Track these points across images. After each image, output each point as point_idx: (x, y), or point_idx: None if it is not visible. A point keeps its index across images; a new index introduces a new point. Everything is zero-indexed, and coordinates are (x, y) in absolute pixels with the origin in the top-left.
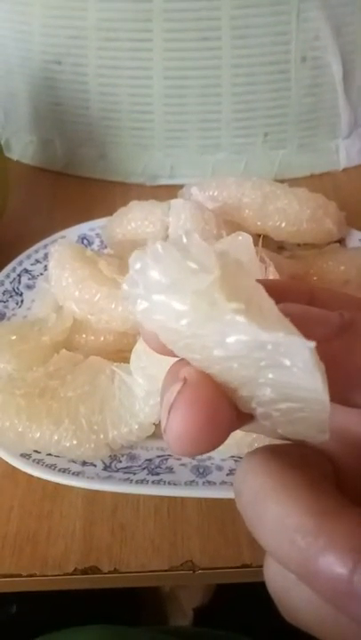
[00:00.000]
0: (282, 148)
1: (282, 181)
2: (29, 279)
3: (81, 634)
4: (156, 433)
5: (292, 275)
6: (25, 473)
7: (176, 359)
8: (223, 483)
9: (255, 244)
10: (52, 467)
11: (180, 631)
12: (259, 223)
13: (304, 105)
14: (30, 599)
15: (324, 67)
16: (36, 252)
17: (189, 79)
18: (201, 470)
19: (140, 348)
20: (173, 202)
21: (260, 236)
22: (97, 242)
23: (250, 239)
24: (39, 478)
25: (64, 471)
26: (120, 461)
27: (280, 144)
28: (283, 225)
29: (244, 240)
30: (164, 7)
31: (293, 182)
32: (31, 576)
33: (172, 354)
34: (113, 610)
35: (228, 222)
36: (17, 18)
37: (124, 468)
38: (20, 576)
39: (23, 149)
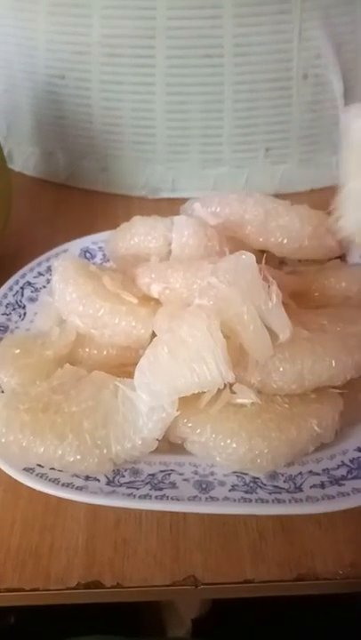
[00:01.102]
0: (283, 163)
1: (283, 196)
2: (32, 292)
3: None
4: (160, 448)
5: (293, 292)
6: (28, 487)
7: None
8: (226, 498)
9: (258, 261)
10: (55, 481)
11: None
12: (261, 239)
13: (305, 121)
14: (29, 610)
15: (325, 84)
16: (39, 264)
17: (192, 95)
18: (204, 486)
19: (145, 363)
20: (177, 218)
21: (262, 252)
22: (99, 255)
23: (253, 259)
24: (42, 492)
25: (67, 486)
26: (123, 476)
27: (281, 159)
28: (285, 242)
29: (247, 259)
30: (167, 25)
31: (294, 197)
32: (34, 590)
33: None
34: (111, 620)
35: (231, 239)
36: (22, 33)
37: (127, 482)
38: (22, 590)
39: (25, 161)
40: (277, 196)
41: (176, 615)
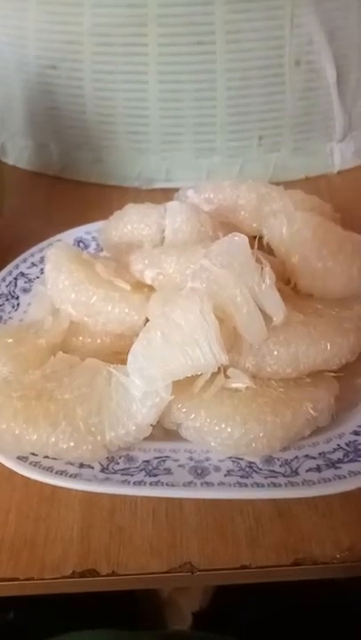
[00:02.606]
0: (277, 151)
1: (277, 184)
2: (26, 282)
3: (80, 639)
4: (154, 435)
5: (287, 279)
6: (22, 476)
7: None
8: (221, 483)
9: (251, 246)
10: (49, 469)
11: (179, 635)
12: (254, 225)
13: (298, 108)
14: (28, 605)
15: (318, 71)
16: (32, 255)
17: (184, 83)
18: (199, 471)
19: (138, 348)
20: (169, 204)
21: (255, 237)
22: (93, 245)
23: (246, 240)
24: (36, 481)
25: (61, 473)
26: (118, 463)
27: (275, 147)
28: None
29: (240, 241)
30: (158, 12)
31: (289, 185)
32: (29, 579)
33: None
34: (112, 615)
35: (224, 224)
36: (12, 23)
37: (122, 469)
38: (17, 580)
39: (19, 154)
40: (271, 184)
41: (177, 609)
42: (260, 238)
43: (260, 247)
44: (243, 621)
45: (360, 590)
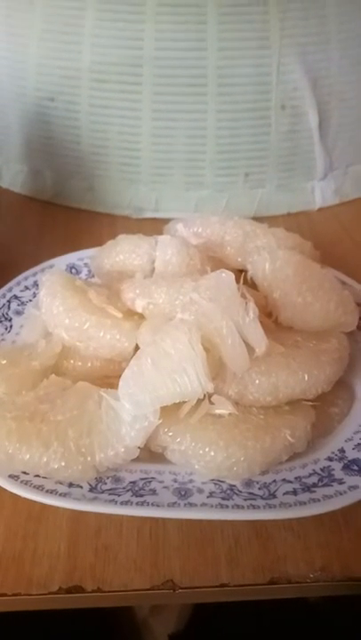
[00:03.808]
0: (261, 188)
1: (260, 219)
2: (18, 305)
3: None
4: (141, 457)
5: (269, 312)
6: (11, 495)
7: None
8: (204, 504)
9: (237, 281)
10: (39, 488)
11: None
12: (239, 259)
13: (283, 149)
14: (5, 625)
15: (301, 115)
16: (26, 279)
17: (176, 121)
18: (183, 492)
19: (129, 374)
20: (161, 238)
21: (241, 271)
22: (85, 271)
23: (232, 277)
24: (25, 500)
25: (51, 492)
26: (105, 483)
27: (260, 184)
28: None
29: (227, 277)
30: (154, 55)
31: (271, 220)
32: (16, 595)
33: None
34: (87, 638)
35: (212, 258)
36: (13, 56)
37: (109, 489)
38: (5, 595)
39: (13, 178)
40: (255, 218)
41: (151, 632)
42: (245, 273)
43: (245, 281)
44: None
45: (333, 610)
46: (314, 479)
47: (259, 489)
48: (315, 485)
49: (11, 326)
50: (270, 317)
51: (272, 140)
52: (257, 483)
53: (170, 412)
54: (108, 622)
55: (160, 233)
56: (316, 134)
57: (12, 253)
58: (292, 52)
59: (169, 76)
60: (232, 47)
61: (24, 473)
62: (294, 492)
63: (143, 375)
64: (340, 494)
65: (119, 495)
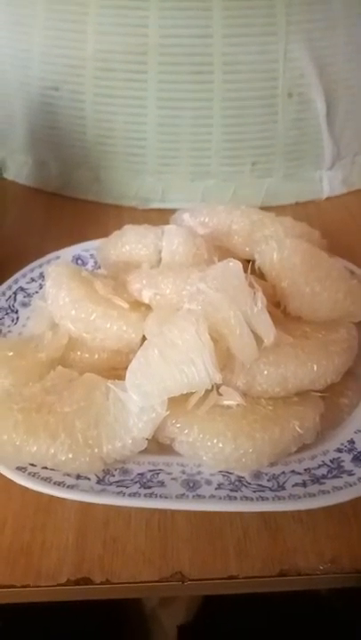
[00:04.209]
0: (268, 177)
1: (268, 208)
2: (25, 297)
3: None
4: (149, 449)
5: (277, 302)
6: (19, 487)
7: None
8: (212, 496)
9: (244, 270)
10: (47, 480)
11: None
12: (247, 249)
13: (290, 137)
14: (15, 617)
15: (308, 102)
16: (32, 270)
17: (182, 110)
18: (191, 484)
19: (136, 365)
20: (167, 228)
21: (248, 261)
22: (91, 262)
23: (240, 266)
24: (33, 492)
25: (59, 484)
26: (113, 475)
27: (267, 173)
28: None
29: (234, 267)
30: (159, 42)
31: (279, 210)
32: (25, 587)
33: None
34: (96, 630)
35: (218, 248)
36: (17, 45)
37: (117, 481)
38: (14, 587)
39: (19, 170)
40: (263, 208)
41: (160, 625)
42: (253, 262)
43: (252, 271)
44: (226, 635)
45: (344, 603)
46: (323, 471)
47: (268, 480)
48: (324, 477)
49: (17, 318)
50: (279, 307)
51: (279, 128)
52: (266, 474)
53: (178, 403)
54: (117, 614)
55: (167, 223)
56: (324, 122)
57: (18, 246)
58: (299, 38)
59: (174, 64)
60: (238, 34)
61: (32, 465)
62: (303, 484)
63: (150, 366)
64: (350, 486)
65: (127, 487)
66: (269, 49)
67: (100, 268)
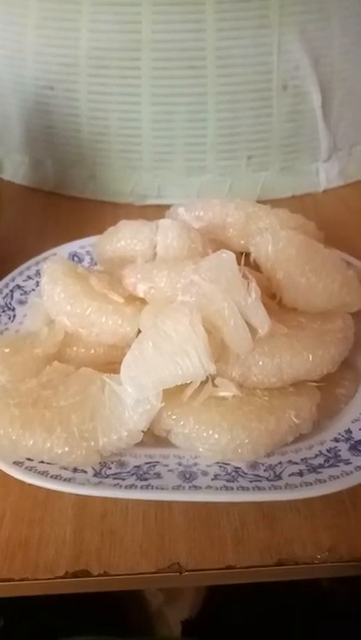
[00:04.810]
0: (265, 171)
1: (264, 202)
2: (22, 295)
3: None
4: (144, 440)
5: (272, 294)
6: (17, 481)
7: None
8: (209, 487)
9: (238, 262)
10: (44, 473)
11: None
12: (242, 242)
13: (285, 130)
14: (18, 612)
15: (303, 95)
16: (28, 268)
17: (176, 105)
18: (187, 475)
19: (130, 358)
20: (161, 221)
21: (242, 253)
22: (87, 259)
23: (233, 257)
24: (31, 486)
25: (56, 477)
26: (110, 468)
27: (263, 167)
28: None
29: (228, 257)
30: (152, 38)
31: (276, 203)
32: (23, 580)
33: None
34: (101, 627)
35: (213, 241)
36: (11, 45)
37: (114, 474)
38: (12, 580)
39: (15, 169)
40: (259, 202)
41: (165, 621)
42: (248, 255)
43: (247, 263)
44: (231, 629)
45: (343, 592)
46: (320, 460)
47: (264, 471)
48: (321, 466)
49: (14, 316)
50: (274, 299)
51: (274, 121)
52: (262, 464)
53: (173, 395)
54: (122, 611)
55: None
56: (320, 114)
57: (15, 245)
58: (293, 30)
59: (168, 59)
60: (231, 27)
61: (28, 459)
62: (300, 474)
63: (145, 358)
64: (347, 474)
65: (124, 479)
66: (263, 41)
67: (96, 264)
